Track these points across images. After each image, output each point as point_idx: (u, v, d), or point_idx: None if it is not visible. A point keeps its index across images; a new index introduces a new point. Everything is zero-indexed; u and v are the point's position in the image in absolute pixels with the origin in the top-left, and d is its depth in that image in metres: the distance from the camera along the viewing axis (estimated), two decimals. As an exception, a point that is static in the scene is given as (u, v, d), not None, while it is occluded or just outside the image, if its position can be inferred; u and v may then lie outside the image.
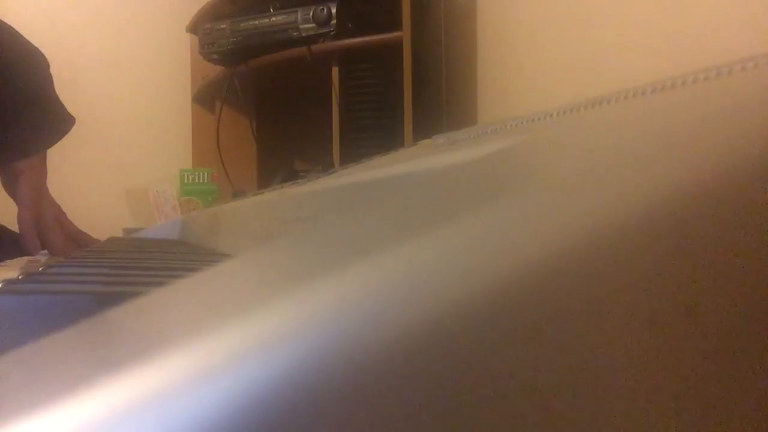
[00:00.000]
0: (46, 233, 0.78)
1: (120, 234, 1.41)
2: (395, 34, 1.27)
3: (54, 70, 0.84)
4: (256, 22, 1.45)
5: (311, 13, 1.36)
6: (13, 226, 0.86)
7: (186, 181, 1.77)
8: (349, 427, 0.08)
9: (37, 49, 0.80)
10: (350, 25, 1.35)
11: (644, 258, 0.10)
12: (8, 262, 0.48)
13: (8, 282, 0.29)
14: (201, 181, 1.76)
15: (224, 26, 1.50)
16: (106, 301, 0.26)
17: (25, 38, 0.79)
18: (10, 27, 0.78)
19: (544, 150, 0.19)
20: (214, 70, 1.67)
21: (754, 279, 0.11)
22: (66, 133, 0.82)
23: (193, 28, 1.72)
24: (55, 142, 0.81)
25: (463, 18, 1.43)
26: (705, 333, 0.10)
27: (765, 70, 0.17)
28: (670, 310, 0.10)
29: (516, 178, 0.16)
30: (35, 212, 0.77)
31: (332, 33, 1.34)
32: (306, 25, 1.36)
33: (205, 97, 1.80)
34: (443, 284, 0.09)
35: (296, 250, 0.14)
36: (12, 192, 0.80)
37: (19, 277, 0.31)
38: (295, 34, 1.38)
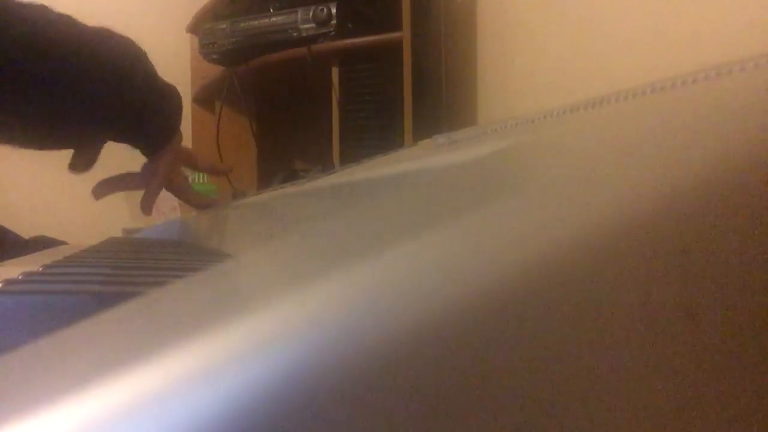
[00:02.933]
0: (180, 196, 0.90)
1: (120, 234, 1.41)
2: (395, 34, 1.26)
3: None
4: (256, 22, 1.45)
5: (311, 13, 1.36)
6: (14, 226, 0.86)
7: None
8: (348, 427, 0.08)
9: (127, 38, 0.81)
10: (350, 25, 1.34)
11: (644, 258, 0.10)
12: (8, 262, 0.48)
13: (8, 282, 0.29)
14: (201, 181, 1.76)
15: (224, 26, 1.50)
16: (106, 301, 0.26)
17: (115, 32, 0.80)
18: (101, 30, 0.79)
19: (544, 150, 0.19)
20: (214, 70, 1.67)
21: (754, 279, 0.11)
22: (182, 107, 0.86)
23: (193, 28, 1.72)
24: (181, 118, 0.86)
25: (463, 18, 1.43)
26: (705, 333, 0.10)
27: (765, 70, 0.17)
28: (670, 311, 0.10)
29: (516, 178, 0.16)
30: (161, 187, 0.87)
31: (332, 33, 1.34)
32: (306, 25, 1.36)
33: (205, 97, 1.80)
34: (443, 284, 0.09)
35: (296, 250, 0.14)
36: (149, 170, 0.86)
37: (19, 277, 0.31)
38: (295, 34, 1.38)
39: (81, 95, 0.74)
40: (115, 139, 0.82)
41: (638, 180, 0.11)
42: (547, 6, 1.25)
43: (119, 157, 0.86)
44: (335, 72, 1.36)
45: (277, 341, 0.08)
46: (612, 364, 0.10)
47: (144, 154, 0.86)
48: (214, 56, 1.56)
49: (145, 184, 0.87)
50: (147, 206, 0.87)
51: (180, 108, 0.86)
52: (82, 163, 0.82)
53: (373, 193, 0.32)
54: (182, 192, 0.92)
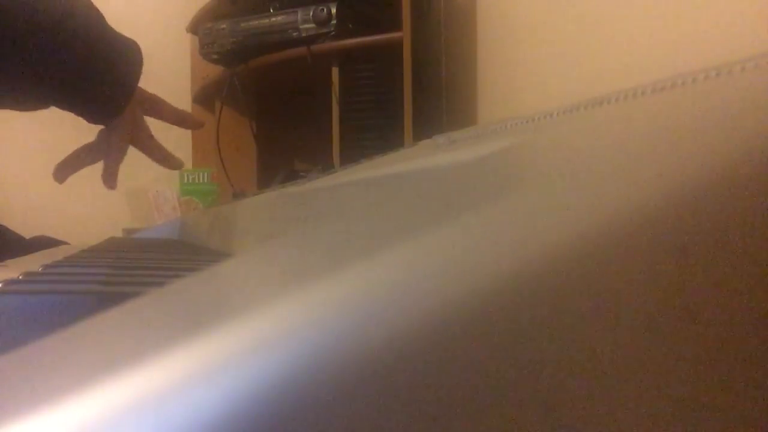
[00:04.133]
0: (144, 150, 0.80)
1: (120, 234, 1.41)
2: (395, 34, 1.26)
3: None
4: (256, 22, 1.45)
5: (311, 13, 1.36)
6: (15, 226, 0.86)
7: (186, 181, 1.77)
8: (348, 427, 0.08)
9: None
10: (350, 25, 1.35)
11: (644, 258, 0.10)
12: (8, 262, 0.48)
13: (8, 282, 0.29)
14: (201, 181, 1.76)
15: (224, 26, 1.50)
16: (106, 301, 0.26)
17: None
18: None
19: (544, 150, 0.19)
20: (214, 70, 1.67)
21: (754, 280, 0.11)
22: (142, 64, 0.75)
23: (193, 28, 1.72)
24: (138, 77, 0.75)
25: (463, 18, 1.43)
26: (705, 334, 0.10)
27: (765, 70, 0.17)
28: (670, 311, 0.10)
29: (516, 178, 0.16)
30: (121, 158, 0.79)
31: (332, 33, 1.34)
32: (306, 25, 1.36)
33: (205, 97, 1.80)
34: (443, 284, 0.09)
35: (296, 250, 0.14)
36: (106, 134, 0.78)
37: (19, 277, 0.31)
38: (295, 34, 1.38)
39: (11, 38, 0.64)
40: (60, 102, 0.72)
41: (638, 180, 0.11)
42: (547, 6, 1.25)
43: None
44: (335, 72, 1.36)
45: (277, 341, 0.08)
46: (612, 364, 0.10)
47: (95, 121, 0.76)
48: (214, 56, 1.56)
49: (104, 155, 0.78)
50: (109, 180, 0.79)
51: (138, 66, 0.74)
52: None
53: (373, 193, 0.32)
54: (148, 149, 0.82)
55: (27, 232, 0.88)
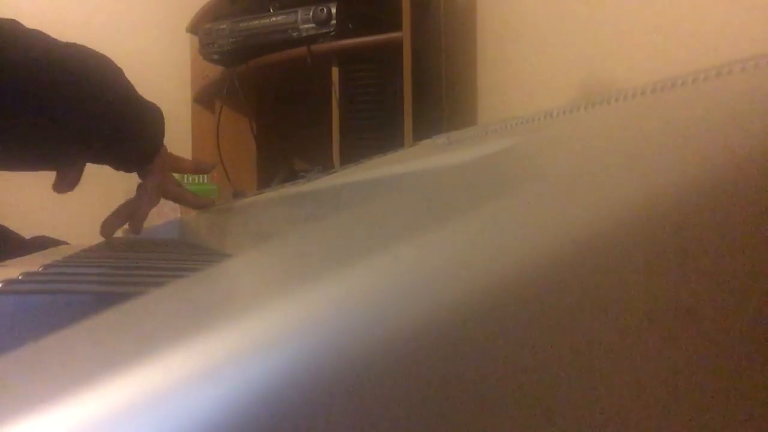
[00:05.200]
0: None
1: (120, 234, 1.41)
2: (395, 34, 1.26)
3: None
4: (256, 22, 1.45)
5: (311, 13, 1.36)
6: (15, 226, 0.86)
7: (186, 181, 1.76)
8: (348, 427, 0.08)
9: (102, 54, 0.78)
10: (350, 25, 1.34)
11: (644, 257, 0.10)
12: (8, 262, 0.48)
13: (8, 282, 0.29)
14: (201, 181, 1.76)
15: (224, 26, 1.50)
16: (106, 301, 0.26)
17: (90, 49, 0.76)
18: (74, 45, 0.74)
19: (544, 150, 0.19)
20: (214, 70, 1.67)
21: (754, 279, 0.11)
22: (164, 122, 0.84)
23: (193, 28, 1.72)
24: (163, 136, 0.83)
25: (463, 18, 1.43)
26: (704, 333, 0.10)
27: (765, 70, 0.17)
28: (670, 310, 0.10)
29: (516, 178, 0.16)
30: (153, 205, 0.85)
31: (332, 33, 1.34)
32: (306, 25, 1.36)
33: (205, 97, 1.80)
34: (442, 284, 0.09)
35: (296, 250, 0.14)
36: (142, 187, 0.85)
37: (19, 277, 0.31)
38: (295, 34, 1.38)
39: (52, 111, 0.70)
40: (94, 160, 0.79)
41: (638, 180, 0.11)
42: (547, 6, 1.25)
43: (107, 172, 0.85)
44: (335, 72, 1.36)
45: (277, 341, 0.08)
46: (613, 362, 0.10)
47: (127, 171, 0.84)
48: (214, 56, 1.56)
49: (134, 208, 0.85)
50: (135, 228, 0.85)
51: (162, 126, 0.83)
52: (65, 184, 0.80)
53: (373, 193, 0.32)
54: (178, 198, 0.90)
55: (27, 232, 0.88)
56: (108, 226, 0.84)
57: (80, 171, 0.80)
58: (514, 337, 0.09)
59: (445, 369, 0.09)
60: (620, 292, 0.10)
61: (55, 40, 0.73)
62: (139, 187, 0.86)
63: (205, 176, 1.76)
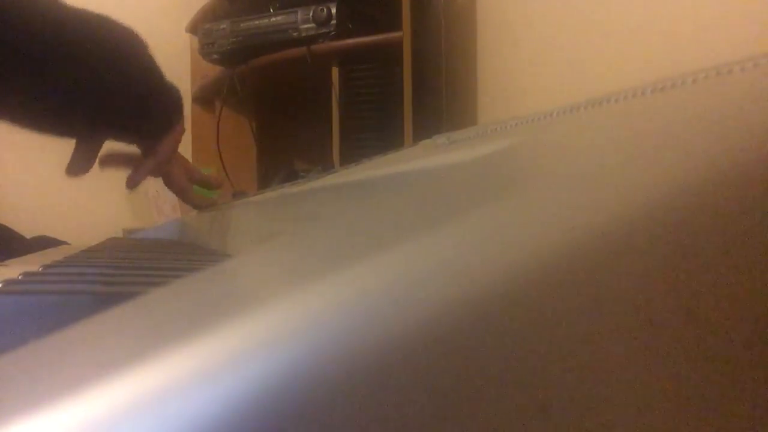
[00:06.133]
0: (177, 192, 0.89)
1: (120, 234, 1.41)
2: (395, 34, 1.26)
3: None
4: (256, 22, 1.45)
5: (311, 13, 1.36)
6: (15, 226, 0.86)
7: (185, 180, 1.76)
8: (348, 427, 0.08)
9: (129, 27, 0.80)
10: (350, 25, 1.35)
11: (644, 258, 0.10)
12: (8, 262, 0.48)
13: (8, 282, 0.29)
14: (201, 181, 1.76)
15: (224, 26, 1.50)
16: (106, 301, 0.26)
17: (117, 20, 0.79)
18: (101, 15, 0.76)
19: (544, 150, 0.19)
20: (214, 70, 1.67)
21: (753, 279, 0.11)
22: (182, 102, 0.85)
23: (193, 28, 1.72)
24: (182, 116, 0.84)
25: (463, 18, 1.43)
26: (705, 333, 0.10)
27: (765, 70, 0.17)
28: (670, 310, 0.10)
29: (515, 178, 0.16)
30: (157, 170, 0.85)
31: (332, 33, 1.34)
32: (306, 25, 1.36)
33: (205, 97, 1.80)
34: (443, 284, 0.09)
35: (296, 250, 0.14)
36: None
37: (19, 277, 0.31)
38: (295, 34, 1.38)
39: (78, 72, 0.72)
40: (113, 130, 0.80)
41: (638, 180, 0.11)
42: (547, 6, 1.25)
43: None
44: (335, 72, 1.36)
45: (277, 341, 0.08)
46: (613, 363, 0.10)
47: (142, 148, 0.84)
48: (214, 56, 1.56)
49: (137, 163, 0.86)
50: (132, 181, 0.85)
51: (180, 103, 0.84)
52: (79, 165, 0.80)
53: (373, 193, 0.32)
54: (183, 191, 0.90)
55: (27, 232, 0.88)
56: (109, 160, 0.84)
57: (95, 150, 0.80)
58: (513, 337, 0.09)
59: (445, 369, 0.09)
60: (620, 293, 0.10)
61: (84, 9, 0.75)
62: (147, 151, 0.85)
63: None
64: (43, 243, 0.82)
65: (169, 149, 0.84)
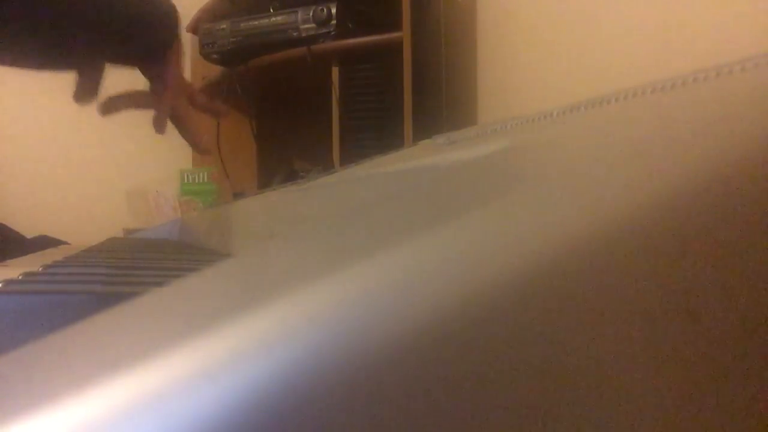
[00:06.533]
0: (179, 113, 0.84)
1: (120, 234, 1.41)
2: (395, 34, 1.26)
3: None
4: (256, 22, 1.45)
5: (311, 13, 1.36)
6: (15, 225, 0.86)
7: (186, 181, 1.76)
8: (348, 426, 0.08)
9: None
10: (350, 25, 1.35)
11: (644, 257, 0.10)
12: (8, 262, 0.48)
13: (8, 282, 0.29)
14: (201, 181, 1.76)
15: (224, 26, 1.50)
16: (106, 301, 0.26)
17: None
18: None
19: (544, 150, 0.19)
20: (214, 70, 1.67)
21: (754, 279, 0.11)
22: (178, 19, 0.83)
23: (193, 28, 1.72)
24: (178, 28, 0.82)
25: (463, 18, 1.43)
26: (705, 333, 0.10)
27: (765, 70, 0.17)
28: (670, 310, 0.10)
29: (516, 178, 0.16)
30: (176, 96, 0.82)
31: (332, 33, 1.34)
32: (306, 25, 1.36)
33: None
34: (442, 284, 0.09)
35: (296, 251, 0.14)
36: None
37: (19, 277, 0.31)
38: (295, 34, 1.38)
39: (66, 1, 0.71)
40: (112, 53, 0.78)
41: (638, 180, 0.11)
42: (547, 6, 1.25)
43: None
44: (335, 72, 1.36)
45: (277, 341, 0.08)
46: (613, 363, 0.10)
47: (143, 69, 0.81)
48: (214, 56, 1.56)
49: (155, 102, 0.82)
50: (159, 125, 0.82)
51: (176, 20, 0.81)
52: (85, 91, 0.78)
53: (373, 193, 0.32)
54: (202, 104, 0.87)
55: (27, 232, 0.88)
56: (110, 105, 0.80)
57: (99, 76, 0.78)
58: (514, 336, 0.09)
59: (445, 369, 0.09)
60: (620, 293, 0.10)
61: None
62: (153, 86, 0.82)
63: (205, 176, 1.76)
64: (43, 243, 0.82)
65: (176, 72, 0.82)
